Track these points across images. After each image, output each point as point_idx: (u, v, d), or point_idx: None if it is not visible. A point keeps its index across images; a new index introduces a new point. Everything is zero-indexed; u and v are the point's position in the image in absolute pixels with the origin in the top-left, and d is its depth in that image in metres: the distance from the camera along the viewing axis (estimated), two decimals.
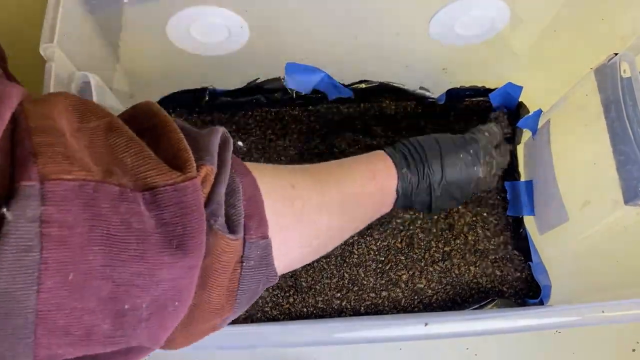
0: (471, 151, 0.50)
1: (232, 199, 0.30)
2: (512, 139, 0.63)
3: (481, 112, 0.65)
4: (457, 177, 0.49)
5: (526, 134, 0.62)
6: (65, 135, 0.23)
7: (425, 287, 0.57)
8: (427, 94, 0.63)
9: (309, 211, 0.38)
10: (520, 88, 0.61)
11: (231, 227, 0.29)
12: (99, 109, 0.27)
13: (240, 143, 0.63)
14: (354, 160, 0.47)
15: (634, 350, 0.59)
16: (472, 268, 0.58)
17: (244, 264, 0.30)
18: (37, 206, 0.21)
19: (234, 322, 0.56)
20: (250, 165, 0.34)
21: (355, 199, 0.43)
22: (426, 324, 0.38)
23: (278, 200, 0.34)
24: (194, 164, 0.26)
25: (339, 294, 0.57)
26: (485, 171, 0.50)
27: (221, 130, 0.31)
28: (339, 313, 0.57)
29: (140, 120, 0.28)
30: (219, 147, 0.30)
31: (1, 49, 0.22)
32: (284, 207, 0.35)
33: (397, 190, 0.47)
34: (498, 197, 0.62)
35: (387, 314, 0.57)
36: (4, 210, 0.20)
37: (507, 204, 0.61)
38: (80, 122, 0.25)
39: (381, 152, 0.48)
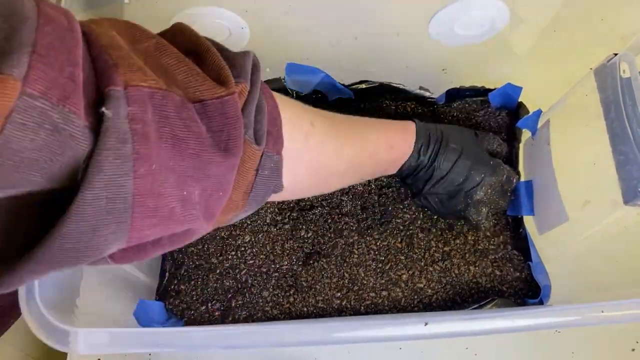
0: (483, 174, 0.52)
1: (259, 116, 0.34)
2: (513, 139, 0.63)
3: (481, 112, 0.65)
4: (456, 184, 0.51)
5: (526, 134, 0.62)
6: (130, 52, 0.27)
7: (425, 286, 0.58)
8: (427, 93, 0.63)
9: (320, 151, 0.42)
10: (519, 89, 0.61)
11: (256, 140, 0.33)
12: (144, 30, 0.30)
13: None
14: (379, 124, 0.50)
15: (633, 350, 0.59)
16: (471, 268, 0.58)
17: (259, 172, 0.35)
18: (125, 107, 0.24)
19: (234, 322, 0.56)
20: (276, 94, 0.38)
21: (365, 160, 0.47)
22: (426, 324, 0.39)
23: (295, 130, 0.39)
24: (233, 81, 0.30)
25: (339, 294, 0.57)
26: (482, 199, 0.52)
27: (252, 53, 0.34)
28: (339, 312, 0.57)
29: (182, 41, 0.32)
30: (252, 68, 0.33)
31: None
32: (298, 137, 0.39)
33: (404, 165, 0.50)
34: None
35: (387, 313, 0.57)
36: (104, 109, 0.23)
37: None
38: (133, 44, 0.28)
39: (411, 124, 0.51)
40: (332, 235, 0.59)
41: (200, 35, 0.33)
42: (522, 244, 0.59)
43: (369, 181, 0.62)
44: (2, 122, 0.20)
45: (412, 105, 0.65)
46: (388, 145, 0.48)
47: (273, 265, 0.58)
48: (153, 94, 0.26)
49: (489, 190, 0.53)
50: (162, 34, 0.33)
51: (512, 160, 0.62)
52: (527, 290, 0.58)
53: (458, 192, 0.52)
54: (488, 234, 0.60)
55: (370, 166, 0.48)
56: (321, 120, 0.42)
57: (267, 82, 0.61)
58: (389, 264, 0.58)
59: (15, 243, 0.24)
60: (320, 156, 0.42)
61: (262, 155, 0.34)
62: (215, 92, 0.29)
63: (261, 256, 0.59)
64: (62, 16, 0.24)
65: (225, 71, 0.31)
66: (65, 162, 0.23)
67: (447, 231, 0.60)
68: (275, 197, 0.39)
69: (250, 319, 0.56)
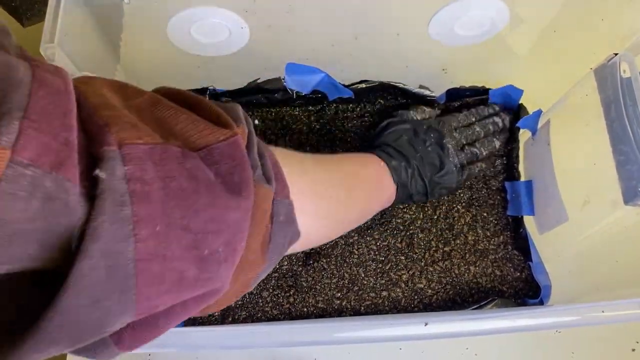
0: (432, 138, 0.54)
1: (262, 159, 0.33)
2: (512, 140, 0.63)
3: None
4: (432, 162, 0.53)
5: (526, 134, 0.62)
6: (122, 109, 0.26)
7: (425, 287, 0.58)
8: (427, 92, 0.63)
9: (318, 183, 0.42)
10: (521, 91, 0.61)
11: (267, 180, 0.33)
12: (135, 88, 0.30)
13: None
14: (344, 154, 0.52)
15: (633, 350, 0.59)
16: (472, 268, 0.58)
17: (274, 219, 0.34)
18: (121, 166, 0.23)
19: (234, 322, 0.56)
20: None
21: (354, 176, 0.48)
22: (426, 324, 0.39)
23: (292, 171, 0.38)
24: (234, 124, 0.30)
25: (339, 294, 0.57)
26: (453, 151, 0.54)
27: (240, 106, 0.34)
28: (339, 313, 0.57)
29: (172, 96, 0.31)
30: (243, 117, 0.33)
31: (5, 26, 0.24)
32: (298, 177, 0.39)
33: (395, 180, 0.50)
34: (498, 196, 0.62)
35: (387, 313, 0.57)
36: (97, 171, 0.22)
37: (506, 204, 0.61)
38: (125, 101, 0.28)
39: (368, 153, 0.52)
40: None
41: (187, 90, 0.32)
42: (522, 244, 0.59)
43: None
44: None
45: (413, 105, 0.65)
46: (363, 162, 0.50)
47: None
48: (151, 149, 0.25)
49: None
50: (155, 92, 0.32)
51: (512, 160, 0.62)
52: (527, 291, 0.58)
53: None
54: (488, 233, 0.60)
55: (362, 183, 0.49)
56: (304, 158, 0.43)
57: (267, 81, 0.61)
58: (389, 264, 0.58)
59: (15, 321, 0.23)
60: (318, 188, 0.42)
61: (273, 201, 0.34)
62: (219, 135, 0.28)
63: None
64: (59, 79, 0.23)
65: (224, 116, 0.30)
66: (61, 232, 0.21)
67: (447, 231, 0.60)
68: (292, 249, 0.39)
69: (250, 319, 0.56)
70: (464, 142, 0.56)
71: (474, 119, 0.59)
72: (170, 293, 0.26)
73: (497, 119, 0.60)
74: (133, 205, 0.23)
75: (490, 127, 0.59)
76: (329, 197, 0.43)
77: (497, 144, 0.59)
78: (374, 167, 0.50)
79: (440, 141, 0.54)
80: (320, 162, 0.46)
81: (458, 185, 0.55)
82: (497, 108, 0.61)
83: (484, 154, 0.57)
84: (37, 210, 0.20)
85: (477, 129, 0.58)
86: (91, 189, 0.22)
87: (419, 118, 0.58)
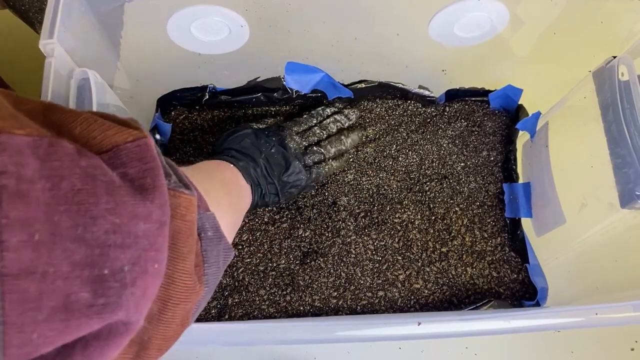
0: (275, 140, 0.54)
1: (173, 168, 0.30)
2: (510, 141, 0.63)
3: (480, 113, 0.65)
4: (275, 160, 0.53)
5: (524, 136, 0.62)
6: (8, 108, 0.22)
7: (422, 287, 0.58)
8: (426, 92, 0.64)
9: (215, 195, 0.39)
10: (520, 91, 0.61)
11: (185, 186, 0.29)
12: (29, 98, 0.26)
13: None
14: (198, 164, 0.49)
15: (632, 349, 0.59)
16: (469, 269, 0.58)
17: (202, 235, 0.31)
18: None
19: (230, 320, 0.56)
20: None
21: (225, 182, 0.46)
22: (419, 324, 0.39)
23: (198, 185, 0.35)
24: (137, 125, 0.26)
25: (335, 293, 0.57)
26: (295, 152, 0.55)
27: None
28: (336, 312, 0.57)
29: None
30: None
31: None
32: (202, 191, 0.35)
33: (248, 181, 0.50)
34: (496, 198, 0.62)
35: (383, 313, 0.57)
36: None
37: (504, 206, 0.61)
38: (16, 105, 0.23)
39: (215, 160, 0.51)
40: (330, 235, 0.59)
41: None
42: (519, 245, 0.59)
43: (368, 180, 0.62)
44: None
45: (412, 104, 0.65)
46: (220, 168, 0.49)
47: (270, 264, 0.58)
48: (36, 141, 0.21)
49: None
50: None
51: (509, 162, 0.62)
52: (524, 292, 0.58)
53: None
54: (486, 235, 0.60)
55: (229, 187, 0.47)
56: (193, 173, 0.39)
57: (267, 80, 0.61)
58: (386, 264, 0.58)
59: None
60: (230, 208, 0.41)
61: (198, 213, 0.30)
62: (127, 135, 0.25)
63: (258, 254, 0.59)
64: None
65: (127, 120, 0.27)
66: None
67: (444, 232, 0.60)
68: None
69: (246, 317, 0.56)
70: (306, 144, 0.58)
71: (314, 121, 0.61)
72: (51, 323, 0.20)
73: (339, 117, 0.61)
74: (2, 203, 0.19)
75: (332, 126, 0.61)
76: (228, 205, 0.41)
77: (347, 141, 0.61)
78: (229, 171, 0.49)
79: (283, 142, 0.55)
80: (197, 171, 0.43)
81: (308, 184, 0.57)
82: (340, 106, 0.63)
83: (332, 152, 0.59)
84: None
85: (317, 130, 0.59)
86: None
87: (261, 127, 0.58)
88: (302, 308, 0.57)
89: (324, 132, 0.60)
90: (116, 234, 0.22)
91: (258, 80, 0.61)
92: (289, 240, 0.59)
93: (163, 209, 0.25)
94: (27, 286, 0.19)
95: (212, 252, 0.31)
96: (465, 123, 0.65)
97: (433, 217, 0.60)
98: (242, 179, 0.50)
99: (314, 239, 0.59)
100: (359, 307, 0.57)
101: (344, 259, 0.58)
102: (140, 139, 0.25)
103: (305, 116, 0.61)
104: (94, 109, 0.41)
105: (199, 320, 0.56)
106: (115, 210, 0.22)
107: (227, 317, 0.56)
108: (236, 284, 0.58)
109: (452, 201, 0.61)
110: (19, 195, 0.19)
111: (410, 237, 0.59)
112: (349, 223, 0.60)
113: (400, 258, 0.59)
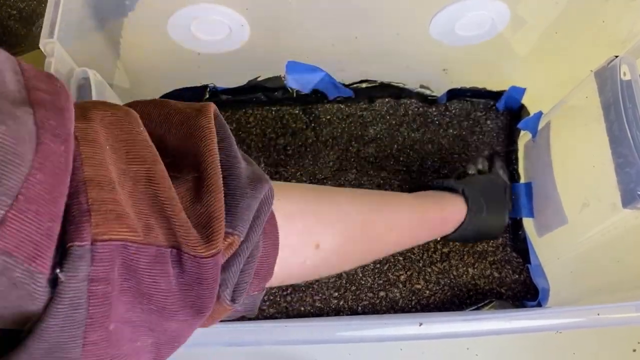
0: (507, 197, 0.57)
1: (247, 266, 0.29)
2: (512, 141, 0.63)
3: (481, 113, 0.65)
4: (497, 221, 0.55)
5: (526, 136, 0.62)
6: (115, 185, 0.23)
7: (423, 287, 0.57)
8: (427, 92, 0.63)
9: (319, 268, 0.38)
10: (523, 90, 0.61)
11: (234, 296, 0.29)
12: (143, 145, 0.26)
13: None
14: (420, 209, 0.50)
15: (634, 350, 0.58)
16: (470, 269, 0.58)
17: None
18: (87, 267, 0.21)
19: (231, 321, 0.56)
20: (281, 207, 0.33)
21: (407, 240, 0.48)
22: (420, 324, 0.38)
23: (293, 257, 0.34)
24: (222, 237, 0.26)
25: (336, 294, 0.57)
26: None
27: (267, 187, 0.30)
28: (337, 312, 0.57)
29: (184, 157, 0.28)
30: (257, 210, 0.29)
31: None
32: (296, 266, 0.35)
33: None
34: None
35: (384, 314, 0.57)
36: (58, 271, 0.20)
37: None
38: (124, 164, 0.25)
39: (458, 197, 0.53)
40: None
41: (210, 155, 0.28)
42: (521, 246, 0.59)
43: (369, 180, 0.62)
44: None
45: (414, 104, 0.65)
46: (435, 226, 0.50)
47: None
48: (125, 247, 0.23)
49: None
50: (163, 123, 0.29)
51: (511, 162, 0.62)
52: (525, 293, 0.58)
53: None
54: None
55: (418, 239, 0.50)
56: (331, 233, 0.37)
57: (268, 80, 0.61)
58: (387, 265, 0.58)
59: None
60: (316, 272, 0.39)
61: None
62: (194, 248, 0.25)
63: None
64: (62, 145, 0.21)
65: (217, 223, 0.26)
66: (19, 312, 0.21)
67: None
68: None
69: (246, 316, 0.56)
70: None
71: None
72: None
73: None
74: (89, 308, 0.21)
75: None
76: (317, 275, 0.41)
77: None
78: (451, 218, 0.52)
79: None
80: (352, 236, 0.41)
81: None
82: None
83: None
84: None
85: None
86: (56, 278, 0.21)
87: None
88: (302, 308, 0.57)
89: None
90: (152, 324, 0.26)
91: (258, 79, 0.61)
92: None
93: (200, 318, 0.27)
94: None
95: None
96: (467, 123, 0.64)
97: None
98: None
99: None
100: (360, 308, 0.57)
101: None
102: (202, 259, 0.25)
103: None
104: None
105: None
106: (159, 310, 0.25)
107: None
108: None
109: None
110: (104, 297, 0.22)
111: None
112: None
113: (401, 258, 0.58)
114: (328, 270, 0.40)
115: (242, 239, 0.27)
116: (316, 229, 0.36)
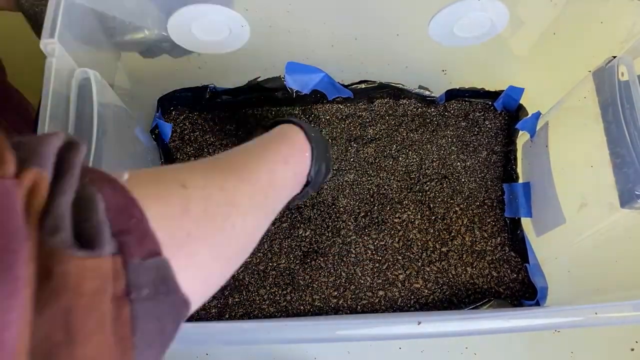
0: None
1: (86, 211, 0.22)
2: (511, 141, 0.63)
3: (480, 113, 0.65)
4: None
5: (524, 136, 0.62)
6: None
7: (422, 287, 0.58)
8: (426, 92, 0.64)
9: (214, 213, 0.30)
10: (521, 90, 0.61)
11: (86, 243, 0.22)
12: None
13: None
14: (261, 145, 0.40)
15: (632, 349, 0.59)
16: (469, 269, 0.58)
17: (133, 295, 0.22)
18: None
19: (230, 319, 0.56)
20: (118, 173, 0.26)
21: (266, 188, 0.36)
22: (419, 323, 0.39)
23: (169, 206, 0.27)
24: (12, 165, 0.20)
25: (335, 293, 0.57)
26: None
27: (62, 134, 0.24)
28: (336, 311, 0.57)
29: None
30: (62, 150, 0.23)
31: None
32: (179, 214, 0.27)
33: (310, 176, 0.44)
34: (495, 198, 0.62)
35: (383, 313, 0.57)
36: None
37: (504, 206, 0.62)
38: None
39: (294, 126, 0.45)
40: (330, 234, 0.59)
41: None
42: (519, 245, 0.59)
43: (368, 180, 0.62)
44: None
45: (413, 104, 0.65)
46: (282, 159, 0.40)
47: (270, 264, 0.58)
48: None
49: None
50: None
51: (509, 162, 0.62)
52: (523, 292, 0.58)
53: None
54: (486, 235, 0.60)
55: (276, 194, 0.38)
56: (190, 174, 0.30)
57: (267, 80, 0.61)
58: (386, 264, 0.58)
59: None
60: (216, 219, 0.30)
61: (127, 269, 0.22)
62: None
63: (259, 254, 0.59)
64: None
65: (4, 152, 0.20)
66: None
67: (444, 232, 0.60)
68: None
69: (246, 316, 0.57)
70: None
71: None
72: None
73: None
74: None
75: None
76: (230, 228, 0.31)
77: None
78: (290, 129, 0.43)
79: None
80: (215, 172, 0.33)
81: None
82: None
83: None
84: None
85: None
86: None
87: None
88: (302, 307, 0.57)
89: None
90: None
91: (258, 80, 0.61)
92: (289, 240, 0.59)
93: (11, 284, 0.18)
94: None
95: (150, 316, 0.23)
96: (465, 123, 0.65)
97: (433, 217, 0.60)
98: (305, 137, 0.44)
99: (314, 239, 0.59)
100: (359, 307, 0.57)
101: (344, 259, 0.58)
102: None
103: None
104: (95, 108, 0.41)
105: (199, 319, 0.57)
106: None
107: (227, 316, 0.56)
108: (236, 283, 0.58)
109: (452, 201, 0.61)
110: None
111: (411, 236, 0.60)
112: (349, 223, 0.60)
113: (400, 258, 0.59)
114: (224, 217, 0.31)
115: (48, 175, 0.22)
116: (173, 173, 0.30)
